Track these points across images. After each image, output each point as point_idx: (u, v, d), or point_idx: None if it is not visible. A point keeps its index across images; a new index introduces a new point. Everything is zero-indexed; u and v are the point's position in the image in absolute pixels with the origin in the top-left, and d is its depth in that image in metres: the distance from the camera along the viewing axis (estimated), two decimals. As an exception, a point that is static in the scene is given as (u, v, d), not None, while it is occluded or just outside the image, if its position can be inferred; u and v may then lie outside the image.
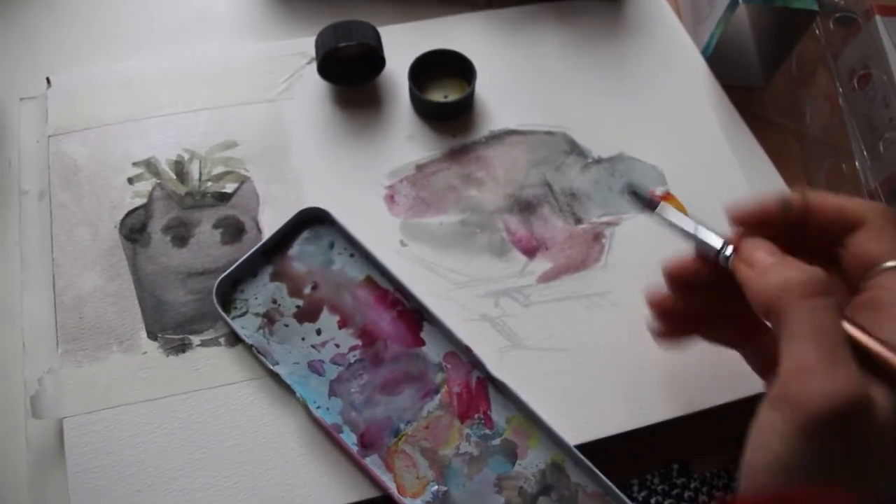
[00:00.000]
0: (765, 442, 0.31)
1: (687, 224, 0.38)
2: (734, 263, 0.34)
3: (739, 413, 0.46)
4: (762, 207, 0.35)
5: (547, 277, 0.46)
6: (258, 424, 0.42)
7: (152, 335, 0.44)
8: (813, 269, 0.31)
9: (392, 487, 0.41)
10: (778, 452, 0.30)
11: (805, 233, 0.35)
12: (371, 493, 0.41)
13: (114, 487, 0.41)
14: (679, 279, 0.39)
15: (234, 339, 0.44)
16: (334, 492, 0.41)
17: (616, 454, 0.43)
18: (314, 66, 0.50)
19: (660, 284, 0.40)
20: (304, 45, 0.52)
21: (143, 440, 0.42)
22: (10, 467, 0.43)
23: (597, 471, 0.41)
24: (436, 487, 0.42)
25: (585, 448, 0.42)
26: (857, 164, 0.49)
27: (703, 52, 0.54)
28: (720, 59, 0.54)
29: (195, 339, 0.44)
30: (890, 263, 0.32)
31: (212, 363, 0.43)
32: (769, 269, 0.33)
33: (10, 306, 0.46)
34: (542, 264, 0.46)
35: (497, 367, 0.43)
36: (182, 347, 0.44)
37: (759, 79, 0.56)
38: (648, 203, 0.40)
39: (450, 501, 0.41)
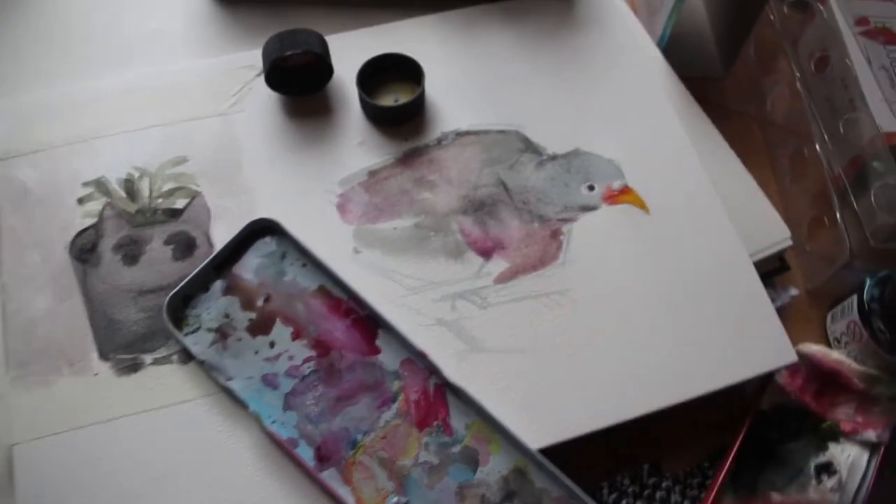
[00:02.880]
0: None
1: None
2: None
3: (708, 408, 0.45)
4: None
5: (504, 278, 0.45)
6: (214, 442, 0.41)
7: (104, 356, 0.43)
8: None
9: (351, 501, 0.40)
10: None
11: None
12: (330, 507, 0.40)
13: (66, 514, 0.40)
14: None
15: (187, 356, 0.43)
16: (292, 508, 0.40)
17: (582, 457, 0.42)
18: (263, 78, 0.49)
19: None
20: (253, 58, 0.51)
21: (96, 464, 0.41)
22: (-39, 498, 0.42)
23: (561, 475, 0.40)
24: (395, 499, 0.40)
25: (550, 452, 0.41)
26: (817, 148, 0.48)
27: (659, 44, 0.54)
28: (677, 50, 0.53)
29: (147, 358, 0.43)
30: None
31: (165, 381, 0.43)
32: None
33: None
34: (498, 264, 0.45)
35: (455, 372, 0.42)
36: (134, 367, 0.43)
37: (717, 68, 0.55)
38: None
39: (411, 513, 0.40)
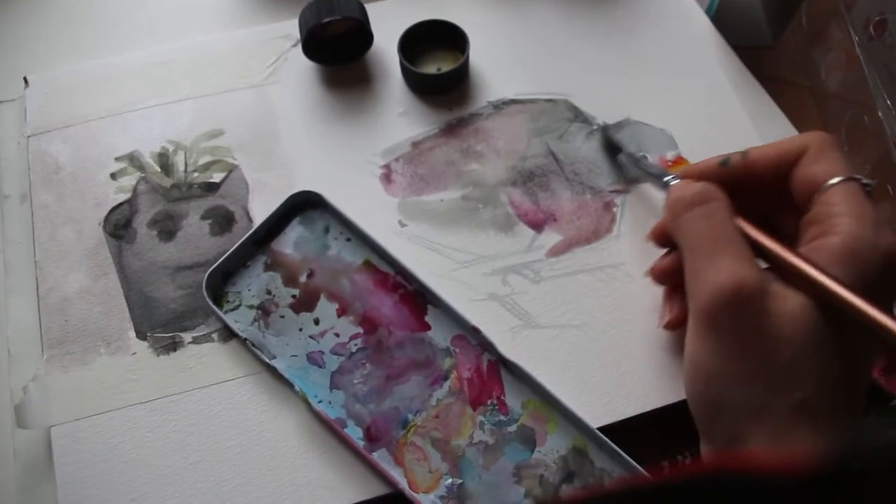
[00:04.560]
0: (687, 352, 0.34)
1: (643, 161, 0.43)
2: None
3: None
4: (704, 166, 0.38)
5: (557, 251, 0.43)
6: (256, 423, 0.40)
7: (141, 335, 0.41)
8: (699, 184, 0.35)
9: (402, 483, 0.38)
10: (691, 355, 0.33)
11: (760, 187, 0.36)
12: (380, 490, 0.38)
13: (106, 497, 0.38)
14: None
15: (228, 333, 0.41)
16: (341, 491, 0.38)
17: (642, 435, 0.40)
18: (300, 48, 0.47)
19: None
20: (288, 28, 0.49)
21: (135, 446, 0.39)
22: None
23: (623, 454, 0.38)
24: (450, 481, 0.39)
25: (608, 430, 0.39)
26: (879, 114, 0.46)
27: (708, 12, 0.52)
28: (726, 19, 0.51)
29: (186, 337, 0.41)
30: (832, 181, 0.33)
31: (205, 361, 0.41)
32: (669, 195, 0.36)
33: (-4, 314, 0.44)
34: (550, 237, 0.43)
35: (509, 349, 0.40)
36: (173, 346, 0.41)
37: (767, 37, 0.53)
38: (611, 146, 0.45)
39: (465, 495, 0.38)
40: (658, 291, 0.42)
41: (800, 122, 0.49)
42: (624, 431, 0.39)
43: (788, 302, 0.31)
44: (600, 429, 0.39)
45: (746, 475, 0.25)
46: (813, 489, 0.23)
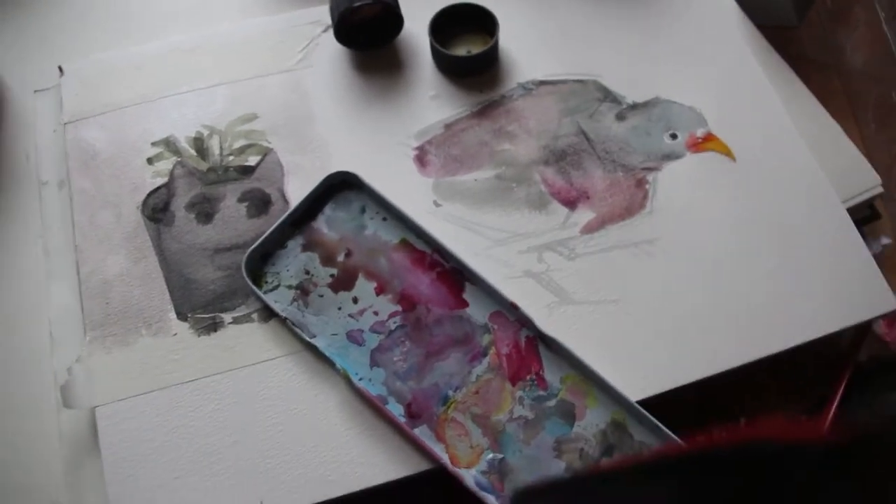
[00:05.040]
0: None
1: None
2: None
3: (804, 361, 0.44)
4: None
5: (591, 228, 0.43)
6: (298, 401, 0.40)
7: (182, 316, 0.42)
8: None
9: (445, 458, 0.39)
10: None
11: None
12: (422, 465, 0.39)
13: (151, 475, 0.39)
14: None
15: (268, 313, 0.42)
16: (384, 466, 0.39)
17: (678, 411, 0.40)
18: (331, 33, 0.48)
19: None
20: (319, 14, 0.50)
21: (178, 425, 0.40)
22: (45, 461, 0.41)
23: (662, 426, 0.39)
24: (491, 455, 0.39)
25: (647, 404, 0.39)
26: (908, 90, 0.47)
27: (733, -7, 0.52)
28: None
29: (227, 317, 0.42)
30: None
31: (245, 340, 0.41)
32: None
33: (36, 298, 0.44)
34: (584, 215, 0.44)
35: (546, 325, 0.40)
36: (213, 326, 0.42)
37: (792, 17, 0.53)
38: None
39: (507, 469, 0.39)
40: (693, 264, 0.42)
41: (826, 101, 0.49)
42: (662, 405, 0.40)
43: None
44: (639, 402, 0.39)
45: (777, 442, 0.25)
46: (841, 455, 0.23)
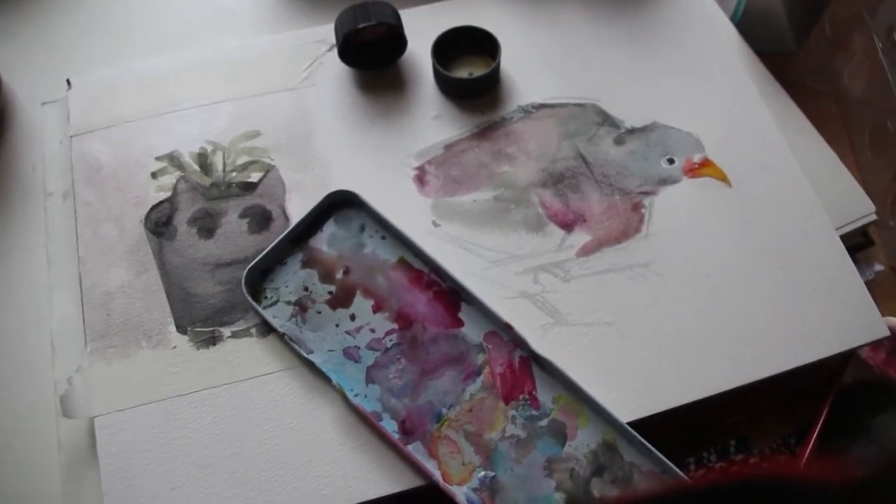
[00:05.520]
0: None
1: None
2: None
3: (791, 383, 0.44)
4: None
5: (587, 250, 0.44)
6: (294, 415, 0.41)
7: (182, 329, 0.43)
8: None
9: (437, 475, 0.39)
10: None
11: None
12: (415, 481, 0.39)
13: (148, 486, 0.39)
14: None
15: (266, 329, 0.43)
16: (377, 482, 0.39)
17: (669, 432, 0.41)
18: (335, 52, 0.49)
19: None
20: (324, 33, 0.51)
21: (176, 436, 0.40)
22: (42, 470, 0.41)
23: (652, 448, 0.39)
24: (483, 473, 0.40)
25: (638, 426, 0.40)
26: (903, 120, 0.47)
27: (732, 19, 0.53)
28: (750, 25, 0.52)
29: (226, 331, 0.42)
30: None
31: (244, 354, 0.42)
32: None
33: (38, 307, 0.45)
34: (580, 237, 0.44)
35: (540, 345, 0.41)
36: (212, 340, 0.42)
37: (791, 43, 0.54)
38: None
39: (498, 487, 0.39)
40: (687, 288, 0.43)
41: (823, 128, 0.50)
42: (653, 427, 0.40)
43: None
44: (630, 424, 0.40)
45: (795, 481, 0.25)
46: (860, 497, 0.23)
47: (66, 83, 0.50)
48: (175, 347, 0.42)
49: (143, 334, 0.42)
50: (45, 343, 0.44)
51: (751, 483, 0.25)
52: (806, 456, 0.42)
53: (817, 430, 0.43)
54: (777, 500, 0.24)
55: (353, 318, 0.42)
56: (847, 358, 0.46)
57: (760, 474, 0.27)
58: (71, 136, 0.48)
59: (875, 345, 0.46)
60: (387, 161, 0.47)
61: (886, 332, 0.42)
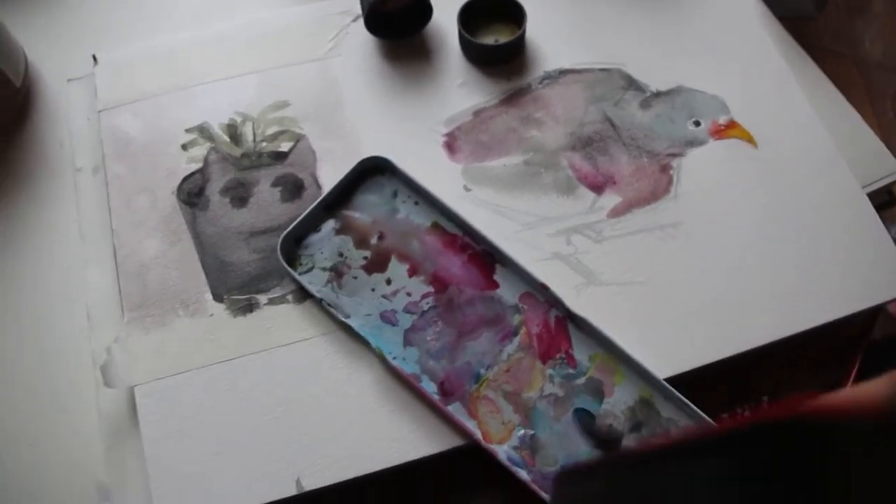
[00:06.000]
0: None
1: None
2: None
3: (819, 340, 0.44)
4: None
5: (617, 212, 0.44)
6: (333, 379, 0.41)
7: (218, 297, 0.43)
8: None
9: (477, 434, 0.40)
10: None
11: None
12: (456, 441, 0.40)
13: (191, 451, 0.40)
14: None
15: (302, 295, 0.43)
16: (419, 442, 0.40)
17: (703, 390, 0.41)
18: (360, 23, 0.49)
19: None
20: (348, 4, 0.51)
21: (216, 402, 0.41)
22: (85, 440, 0.42)
23: (689, 403, 0.39)
24: (522, 432, 0.40)
25: (674, 381, 0.40)
26: (926, 79, 0.48)
27: (752, -16, 0.53)
28: (770, -10, 0.53)
29: (262, 298, 0.43)
30: None
31: (281, 321, 0.42)
32: None
33: (72, 281, 0.45)
34: (611, 199, 0.45)
35: (574, 305, 0.41)
36: (249, 307, 0.43)
37: (810, 8, 0.54)
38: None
39: (538, 445, 0.40)
40: (716, 247, 0.43)
41: (845, 91, 0.50)
42: (689, 382, 0.41)
43: None
44: (666, 379, 0.40)
45: (821, 418, 0.25)
46: (889, 432, 0.23)
47: (91, 59, 0.50)
48: (212, 315, 0.42)
49: (179, 303, 0.43)
50: (80, 316, 0.44)
51: (777, 423, 0.25)
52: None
53: (849, 385, 0.43)
54: (807, 438, 0.23)
55: (388, 282, 0.43)
56: (875, 314, 0.46)
57: (786, 414, 0.26)
58: (99, 111, 0.48)
59: (902, 301, 0.47)
60: (415, 128, 0.47)
61: (915, 287, 0.43)
